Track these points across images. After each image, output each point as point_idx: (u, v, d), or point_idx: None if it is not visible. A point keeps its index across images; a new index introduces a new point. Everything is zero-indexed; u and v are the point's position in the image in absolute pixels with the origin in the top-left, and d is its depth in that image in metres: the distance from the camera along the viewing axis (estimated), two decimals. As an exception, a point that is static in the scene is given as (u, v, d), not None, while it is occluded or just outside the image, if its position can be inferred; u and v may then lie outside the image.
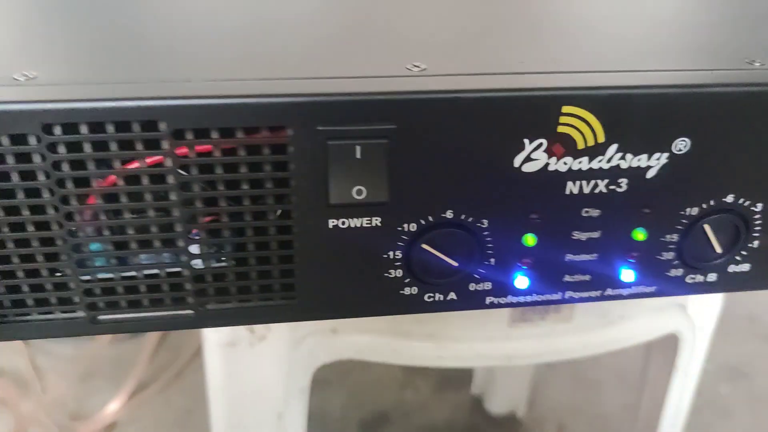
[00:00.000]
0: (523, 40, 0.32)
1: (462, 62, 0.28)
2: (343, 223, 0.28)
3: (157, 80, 0.26)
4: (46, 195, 0.25)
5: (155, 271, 0.28)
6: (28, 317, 0.28)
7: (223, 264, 0.28)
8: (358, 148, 0.26)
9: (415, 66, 0.28)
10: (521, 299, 0.31)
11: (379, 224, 0.28)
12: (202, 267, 0.28)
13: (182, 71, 0.27)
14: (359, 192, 0.27)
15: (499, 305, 0.31)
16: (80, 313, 0.28)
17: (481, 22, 0.34)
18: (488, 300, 0.31)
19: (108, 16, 0.33)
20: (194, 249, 0.28)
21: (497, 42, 0.31)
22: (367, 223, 0.28)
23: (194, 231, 0.27)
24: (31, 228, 0.26)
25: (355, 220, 0.28)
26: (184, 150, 0.25)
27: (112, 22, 0.32)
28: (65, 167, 0.25)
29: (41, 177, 0.25)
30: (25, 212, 0.26)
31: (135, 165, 0.25)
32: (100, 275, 0.28)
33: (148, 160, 0.25)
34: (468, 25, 0.34)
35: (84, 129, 0.25)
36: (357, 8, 0.36)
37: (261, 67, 0.27)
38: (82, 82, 0.26)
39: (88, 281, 0.28)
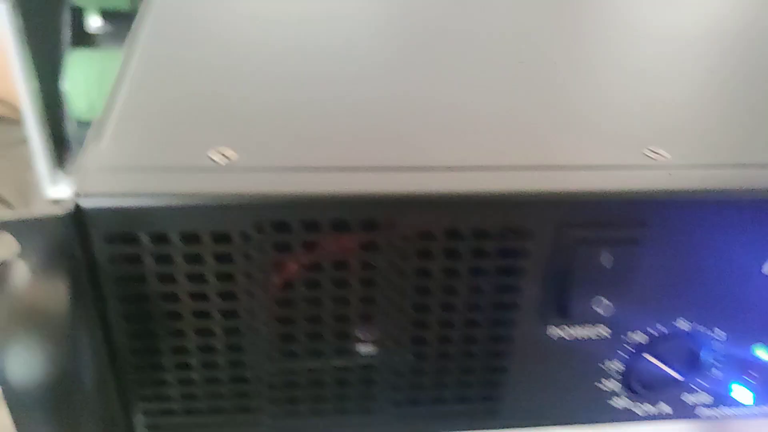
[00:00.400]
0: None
1: (706, 149, 0.24)
2: (569, 334, 0.24)
3: (370, 167, 0.22)
4: (243, 298, 0.22)
5: (343, 377, 0.24)
6: (199, 419, 0.25)
7: (423, 369, 0.25)
8: (607, 255, 0.22)
9: (654, 152, 0.24)
10: (739, 411, 0.28)
11: (607, 335, 0.24)
12: (400, 371, 0.24)
13: (392, 156, 0.23)
14: (599, 302, 0.23)
15: (715, 418, 0.28)
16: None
17: (713, 98, 0.29)
18: (703, 412, 0.27)
19: (296, 88, 0.26)
20: (392, 353, 0.24)
21: (737, 122, 0.27)
22: (593, 335, 0.24)
23: (391, 335, 0.24)
24: (218, 330, 0.23)
25: (579, 329, 0.24)
26: (401, 249, 0.22)
27: (302, 94, 0.26)
28: (269, 269, 0.22)
29: (241, 278, 0.22)
30: (217, 316, 0.22)
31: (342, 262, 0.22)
32: (285, 379, 0.24)
33: (358, 264, 0.22)
34: (699, 102, 0.28)
35: (297, 226, 0.21)
36: (571, 83, 0.29)
37: (483, 153, 0.23)
38: (291, 167, 0.22)
39: (270, 386, 0.24)
